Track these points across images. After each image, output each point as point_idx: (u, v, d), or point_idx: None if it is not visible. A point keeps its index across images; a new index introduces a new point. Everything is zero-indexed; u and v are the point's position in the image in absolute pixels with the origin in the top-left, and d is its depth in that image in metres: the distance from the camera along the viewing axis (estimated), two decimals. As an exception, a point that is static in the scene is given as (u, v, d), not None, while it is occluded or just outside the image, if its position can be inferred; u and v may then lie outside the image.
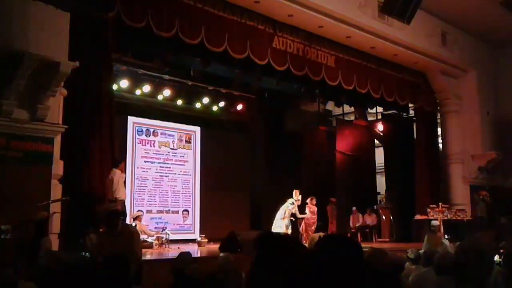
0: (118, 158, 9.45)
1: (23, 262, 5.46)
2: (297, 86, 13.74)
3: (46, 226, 6.31)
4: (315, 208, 12.98)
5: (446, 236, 12.80)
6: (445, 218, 13.32)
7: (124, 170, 9.73)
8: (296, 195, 12.63)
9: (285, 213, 12.32)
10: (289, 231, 12.10)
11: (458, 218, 13.64)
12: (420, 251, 5.69)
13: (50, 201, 7.35)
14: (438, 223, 9.30)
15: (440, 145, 16.29)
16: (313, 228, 12.83)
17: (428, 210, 13.55)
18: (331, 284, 1.93)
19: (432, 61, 14.44)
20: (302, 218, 12.85)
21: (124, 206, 9.63)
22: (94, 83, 8.62)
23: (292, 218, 12.46)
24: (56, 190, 7.67)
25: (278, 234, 9.42)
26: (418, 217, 14.32)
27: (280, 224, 12.19)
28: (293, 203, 12.39)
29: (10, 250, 6.06)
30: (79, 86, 8.23)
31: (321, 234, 5.74)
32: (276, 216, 12.37)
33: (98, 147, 8.63)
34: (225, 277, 3.25)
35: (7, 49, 7.08)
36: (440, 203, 13.60)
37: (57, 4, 7.37)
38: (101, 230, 7.12)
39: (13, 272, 3.31)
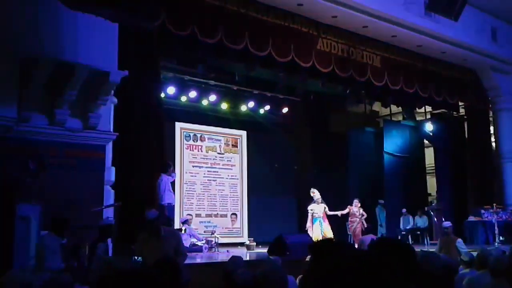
0: (166, 163, 9.62)
1: (80, 267, 5.64)
2: (343, 87, 13.59)
3: (109, 231, 6.49)
4: (355, 210, 12.67)
5: (500, 238, 12.44)
6: (500, 219, 12.91)
7: (172, 175, 9.88)
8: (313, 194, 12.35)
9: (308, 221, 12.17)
10: (326, 234, 11.75)
11: (514, 219, 13.20)
12: (473, 253, 5.52)
13: (103, 207, 7.57)
14: (451, 225, 8.91)
15: (493, 144, 15.78)
16: (353, 230, 12.55)
17: (482, 211, 13.16)
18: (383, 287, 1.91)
19: (482, 58, 14.02)
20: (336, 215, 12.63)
21: (172, 210, 9.78)
22: (143, 91, 8.83)
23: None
24: (109, 196, 7.90)
25: (331, 239, 9.33)
26: (471, 218, 13.92)
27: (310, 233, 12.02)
28: (312, 210, 12.09)
29: (66, 255, 6.26)
30: (129, 94, 8.45)
31: (372, 237, 5.66)
32: None
33: (148, 153, 8.83)
34: (272, 281, 3.25)
35: (59, 61, 7.34)
36: (494, 204, 13.19)
37: (106, 16, 7.58)
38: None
39: (70, 277, 3.42)
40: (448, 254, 6.62)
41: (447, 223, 8.93)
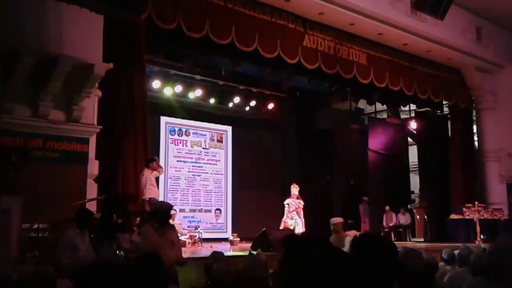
0: (149, 157, 9.54)
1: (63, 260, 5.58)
2: (329, 84, 13.65)
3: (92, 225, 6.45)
4: (291, 202, 12.41)
5: (481, 236, 12.58)
6: (481, 217, 13.06)
7: (157, 169, 9.80)
8: (293, 188, 12.43)
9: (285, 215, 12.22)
10: (300, 229, 11.82)
11: (495, 217, 13.35)
12: (454, 251, 5.57)
13: (86, 200, 7.51)
14: (339, 221, 7.70)
15: (476, 143, 15.94)
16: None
17: (464, 209, 13.30)
18: (364, 284, 1.92)
19: (466, 57, 14.15)
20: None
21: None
22: (128, 84, 8.75)
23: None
24: (92, 190, 7.83)
25: (305, 235, 9.28)
26: (453, 216, 14.06)
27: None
28: (287, 204, 12.24)
29: (49, 248, 6.20)
30: (113, 87, 8.37)
31: (356, 233, 5.68)
32: None
33: (132, 147, 8.75)
34: (254, 275, 3.24)
35: (43, 52, 7.25)
36: (476, 202, 13.34)
37: (91, 8, 7.50)
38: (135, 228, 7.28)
39: (53, 270, 3.38)
40: None
41: (336, 219, 7.87)
